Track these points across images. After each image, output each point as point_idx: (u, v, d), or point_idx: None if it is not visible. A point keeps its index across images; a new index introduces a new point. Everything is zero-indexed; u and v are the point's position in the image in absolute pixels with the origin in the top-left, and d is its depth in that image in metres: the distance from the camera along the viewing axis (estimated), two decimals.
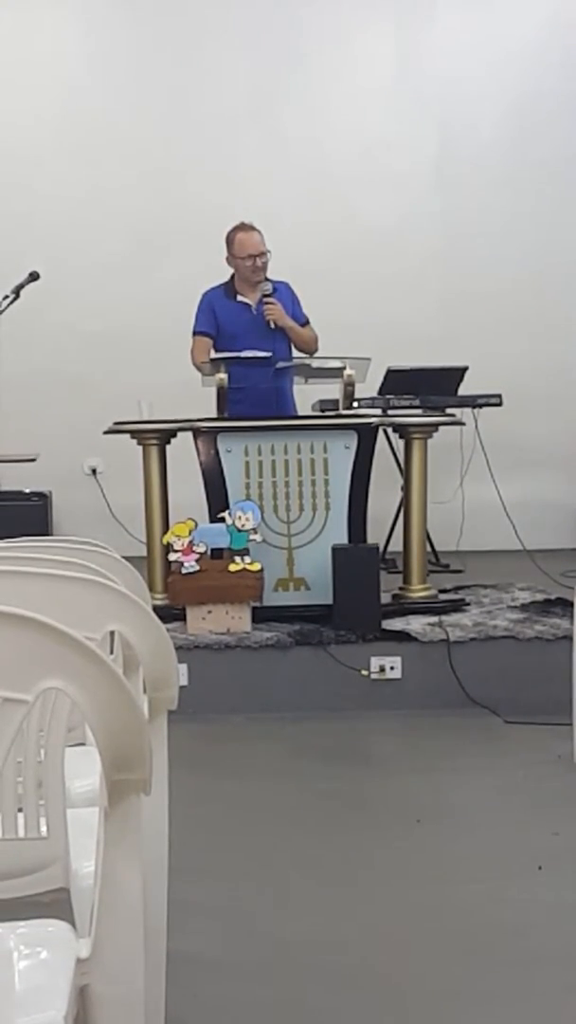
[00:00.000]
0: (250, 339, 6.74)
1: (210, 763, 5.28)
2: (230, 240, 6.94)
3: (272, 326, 6.85)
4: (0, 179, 9.04)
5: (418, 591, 6.61)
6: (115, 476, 8.75)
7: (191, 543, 6.14)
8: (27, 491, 8.39)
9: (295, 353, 7.03)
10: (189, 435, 6.53)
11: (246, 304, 6.95)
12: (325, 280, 8.38)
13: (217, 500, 6.39)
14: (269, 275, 6.93)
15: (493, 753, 5.41)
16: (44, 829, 2.23)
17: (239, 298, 6.96)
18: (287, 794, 4.91)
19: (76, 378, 8.91)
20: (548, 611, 6.47)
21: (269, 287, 6.89)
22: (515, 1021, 3.10)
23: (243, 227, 6.93)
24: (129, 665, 2.44)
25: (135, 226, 9.03)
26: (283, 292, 6.97)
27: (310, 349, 7.05)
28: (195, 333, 6.96)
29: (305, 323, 7.04)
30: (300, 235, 8.28)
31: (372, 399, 7.57)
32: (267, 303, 6.86)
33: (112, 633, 2.43)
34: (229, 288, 6.99)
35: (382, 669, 6.02)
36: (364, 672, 6.00)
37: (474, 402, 8.05)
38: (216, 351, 6.80)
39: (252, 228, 6.91)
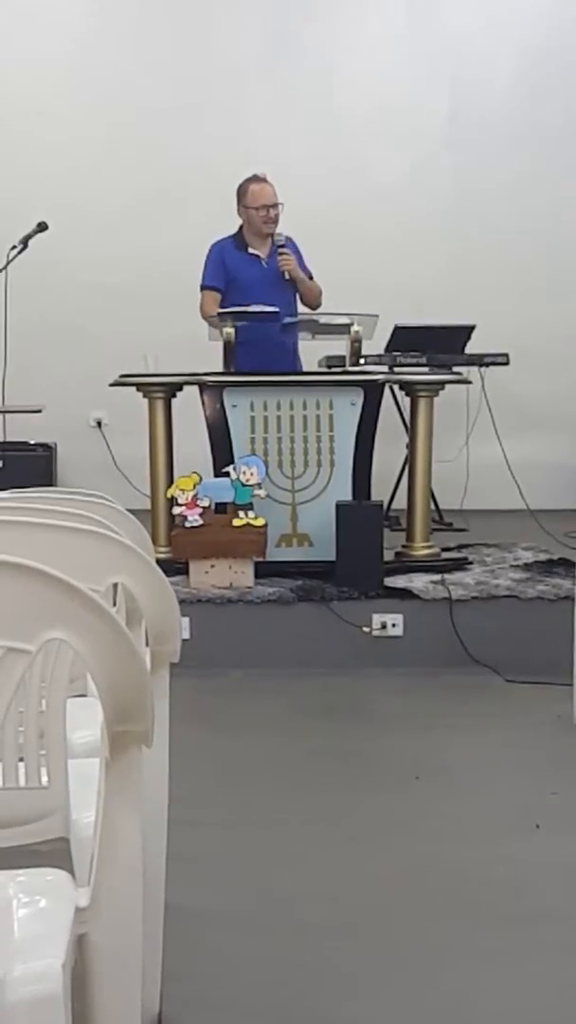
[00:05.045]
0: (261, 291, 6.73)
1: (211, 717, 5.30)
2: (243, 191, 6.92)
3: (287, 277, 6.86)
4: (8, 129, 8.97)
5: (421, 549, 6.61)
6: (120, 429, 8.74)
7: (195, 497, 6.14)
8: (32, 442, 8.38)
9: (300, 308, 7.02)
10: (195, 389, 6.52)
11: (256, 256, 6.94)
12: (334, 236, 8.33)
13: (222, 455, 6.39)
14: (278, 229, 6.92)
15: (493, 712, 5.43)
16: (45, 779, 2.24)
17: (250, 250, 6.95)
18: (286, 749, 4.93)
19: (82, 330, 8.88)
20: (551, 571, 6.47)
21: (283, 238, 6.89)
22: (510, 978, 3.12)
23: (256, 179, 6.91)
24: (132, 618, 2.45)
25: (143, 178, 8.98)
26: (290, 245, 6.96)
27: (315, 303, 7.05)
28: (204, 287, 6.94)
29: (309, 276, 7.03)
30: (309, 190, 8.22)
31: (379, 356, 7.53)
32: (282, 253, 6.84)
33: (115, 585, 2.43)
34: (239, 239, 6.97)
35: (384, 626, 6.03)
36: (365, 629, 6.01)
37: (481, 361, 8.01)
38: (227, 303, 6.77)
39: (265, 180, 6.90)
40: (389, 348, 7.69)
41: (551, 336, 9.05)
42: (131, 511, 2.88)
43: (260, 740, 5.03)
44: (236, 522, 6.15)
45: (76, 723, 2.43)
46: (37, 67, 9.00)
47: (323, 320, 6.87)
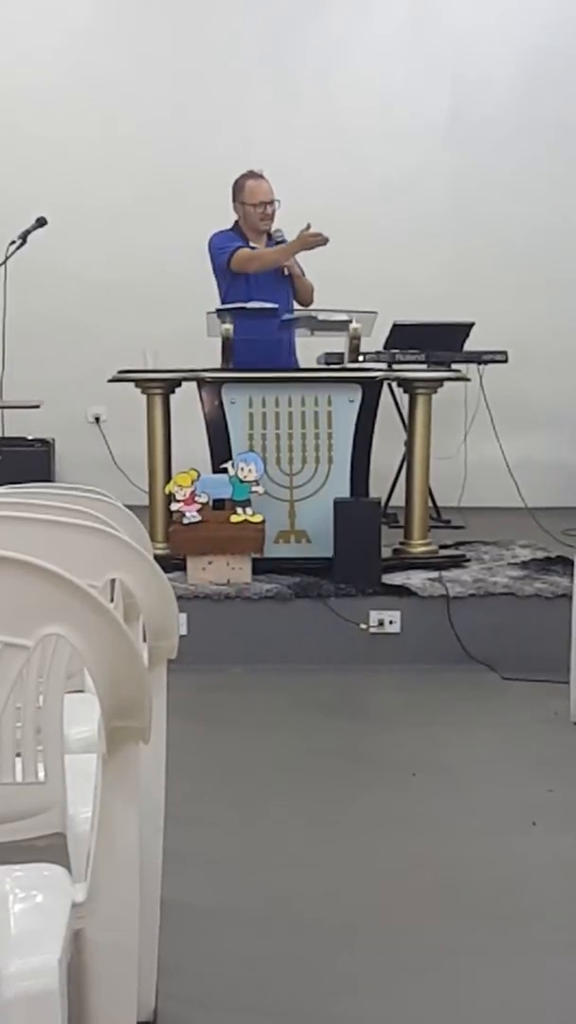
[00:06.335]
0: (260, 286, 6.72)
1: (208, 713, 5.30)
2: (240, 187, 6.90)
3: (285, 273, 6.84)
4: (8, 125, 8.97)
5: (419, 546, 6.61)
6: (118, 425, 8.74)
7: (193, 493, 6.14)
8: (30, 438, 8.38)
9: (295, 305, 7.01)
10: (194, 385, 6.52)
11: (255, 250, 6.92)
12: (333, 233, 8.25)
13: (220, 451, 6.39)
14: (276, 225, 6.91)
15: (490, 709, 5.43)
16: (42, 774, 2.24)
17: (249, 244, 6.93)
18: (284, 746, 4.94)
19: (81, 325, 8.87)
20: (548, 569, 6.47)
21: (281, 234, 6.87)
22: (506, 975, 3.13)
23: (252, 175, 6.90)
24: (130, 613, 2.44)
25: (143, 174, 8.97)
26: (285, 242, 6.94)
27: (308, 300, 7.04)
28: (233, 251, 6.77)
29: (302, 273, 7.02)
30: (309, 187, 8.20)
31: (377, 353, 7.54)
32: None
33: (113, 581, 2.43)
34: (237, 234, 6.95)
35: (381, 623, 6.03)
36: (363, 626, 6.02)
37: (479, 358, 8.02)
38: (225, 300, 6.76)
39: (261, 176, 6.89)
40: (388, 345, 7.69)
41: (549, 334, 9.05)
42: (129, 507, 2.87)
43: (257, 737, 5.03)
44: (234, 518, 6.15)
45: (73, 719, 2.43)
46: (37, 63, 8.99)
47: (322, 317, 6.86)
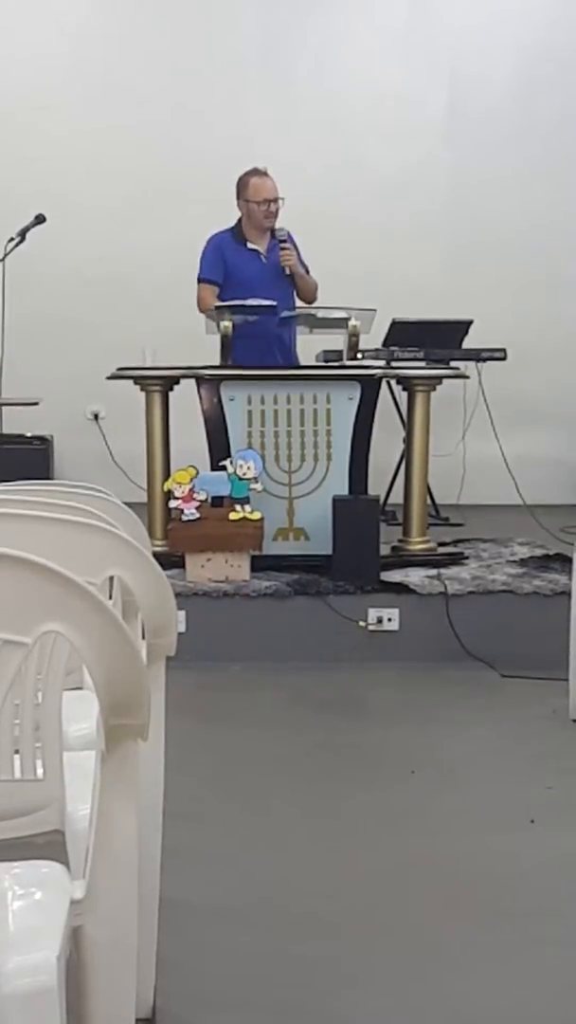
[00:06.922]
0: (260, 286, 6.71)
1: (206, 710, 5.30)
2: (244, 184, 6.89)
3: (287, 272, 6.84)
4: (8, 122, 8.95)
5: (417, 544, 6.61)
6: (117, 422, 8.73)
7: (192, 490, 6.14)
8: (29, 435, 8.37)
9: (297, 303, 7.01)
10: (192, 382, 6.52)
11: (255, 250, 6.92)
12: (332, 230, 8.32)
13: (219, 448, 6.39)
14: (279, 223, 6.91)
15: (489, 706, 5.43)
16: (40, 771, 2.23)
17: (249, 245, 6.92)
18: (282, 743, 4.93)
19: (80, 323, 8.86)
20: (546, 566, 6.47)
21: (285, 232, 6.86)
22: (504, 973, 3.13)
23: (257, 172, 6.88)
24: (128, 611, 2.44)
25: (142, 172, 8.96)
26: (289, 239, 6.94)
27: (311, 298, 7.03)
28: (202, 280, 6.91)
29: (306, 271, 7.02)
30: (308, 184, 8.20)
31: (376, 351, 7.53)
32: (284, 248, 6.82)
33: (112, 578, 2.43)
34: (237, 233, 6.95)
35: (380, 621, 6.03)
36: (362, 623, 6.01)
37: (478, 356, 8.02)
38: (226, 297, 6.76)
39: (266, 173, 6.87)
40: (386, 343, 7.69)
41: (548, 331, 9.05)
42: (128, 504, 2.87)
43: (255, 734, 5.03)
44: (233, 516, 6.15)
45: (72, 716, 2.43)
46: (37, 60, 8.99)
47: (321, 314, 6.85)
